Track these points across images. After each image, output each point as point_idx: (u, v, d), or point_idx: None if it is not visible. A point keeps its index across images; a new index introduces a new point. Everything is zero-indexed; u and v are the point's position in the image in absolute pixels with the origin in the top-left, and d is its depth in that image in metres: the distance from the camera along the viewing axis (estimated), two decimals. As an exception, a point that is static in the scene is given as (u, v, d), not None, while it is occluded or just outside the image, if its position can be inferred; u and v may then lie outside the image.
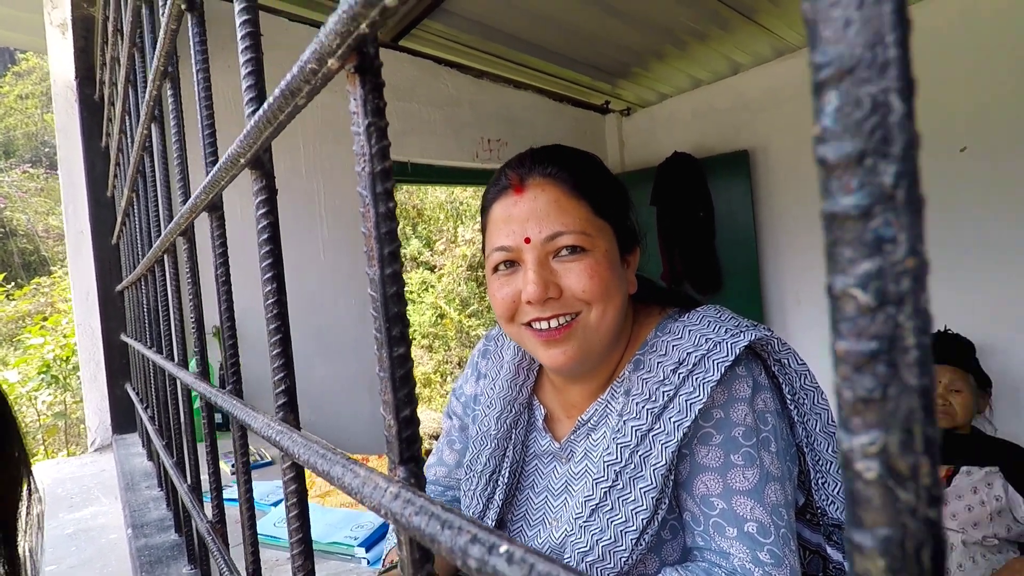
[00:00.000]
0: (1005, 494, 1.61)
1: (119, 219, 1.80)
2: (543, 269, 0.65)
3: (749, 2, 2.29)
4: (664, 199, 2.73)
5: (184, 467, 0.79)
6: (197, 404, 1.76)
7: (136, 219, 1.42)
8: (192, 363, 0.61)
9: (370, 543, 1.00)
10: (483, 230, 0.74)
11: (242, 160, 0.30)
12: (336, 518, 1.05)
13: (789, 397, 0.68)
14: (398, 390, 0.20)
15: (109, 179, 1.83)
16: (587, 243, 0.65)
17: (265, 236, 0.30)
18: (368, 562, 0.97)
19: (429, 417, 5.98)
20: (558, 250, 0.65)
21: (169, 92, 0.57)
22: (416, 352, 8.39)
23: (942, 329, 1.92)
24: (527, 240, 0.66)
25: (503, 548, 0.15)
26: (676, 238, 2.69)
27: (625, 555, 0.63)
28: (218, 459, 0.59)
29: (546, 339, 0.66)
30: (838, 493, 0.69)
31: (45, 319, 5.34)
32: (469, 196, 8.28)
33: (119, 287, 1.87)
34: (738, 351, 0.63)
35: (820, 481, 0.70)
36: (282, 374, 0.31)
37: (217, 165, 0.34)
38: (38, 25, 2.19)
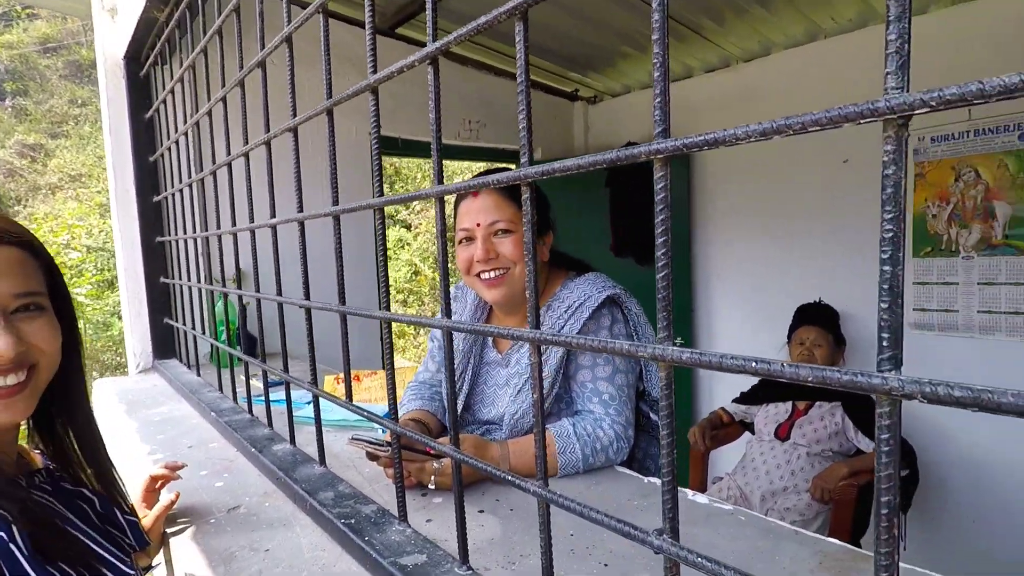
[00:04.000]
0: (842, 422, 2.19)
1: (163, 180, 2.17)
2: (486, 243, 1.10)
3: (696, 20, 2.72)
4: (616, 183, 3.19)
5: (243, 376, 1.23)
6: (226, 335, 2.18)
7: (177, 179, 1.79)
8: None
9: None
10: (455, 219, 1.18)
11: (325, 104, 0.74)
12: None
13: (632, 329, 1.17)
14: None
15: (156, 146, 2.19)
16: (513, 227, 1.10)
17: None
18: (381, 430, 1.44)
19: (403, 365, 6.49)
20: (495, 232, 1.11)
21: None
22: (393, 307, 8.80)
23: (817, 300, 2.46)
24: (478, 225, 1.11)
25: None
26: (623, 217, 3.16)
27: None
28: (289, 369, 1.05)
29: (488, 284, 1.12)
30: (655, 384, 1.19)
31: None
32: (447, 163, 8.61)
33: (160, 239, 2.25)
34: (601, 300, 1.11)
35: (647, 377, 1.20)
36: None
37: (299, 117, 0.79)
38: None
